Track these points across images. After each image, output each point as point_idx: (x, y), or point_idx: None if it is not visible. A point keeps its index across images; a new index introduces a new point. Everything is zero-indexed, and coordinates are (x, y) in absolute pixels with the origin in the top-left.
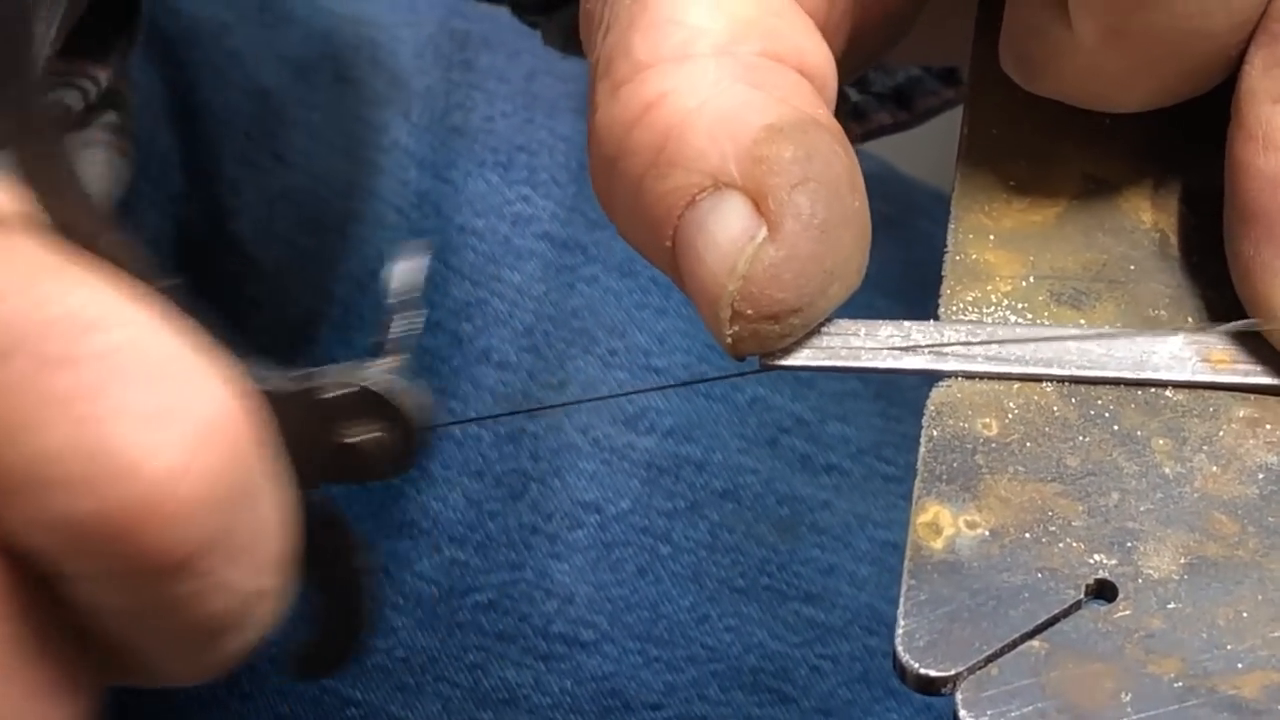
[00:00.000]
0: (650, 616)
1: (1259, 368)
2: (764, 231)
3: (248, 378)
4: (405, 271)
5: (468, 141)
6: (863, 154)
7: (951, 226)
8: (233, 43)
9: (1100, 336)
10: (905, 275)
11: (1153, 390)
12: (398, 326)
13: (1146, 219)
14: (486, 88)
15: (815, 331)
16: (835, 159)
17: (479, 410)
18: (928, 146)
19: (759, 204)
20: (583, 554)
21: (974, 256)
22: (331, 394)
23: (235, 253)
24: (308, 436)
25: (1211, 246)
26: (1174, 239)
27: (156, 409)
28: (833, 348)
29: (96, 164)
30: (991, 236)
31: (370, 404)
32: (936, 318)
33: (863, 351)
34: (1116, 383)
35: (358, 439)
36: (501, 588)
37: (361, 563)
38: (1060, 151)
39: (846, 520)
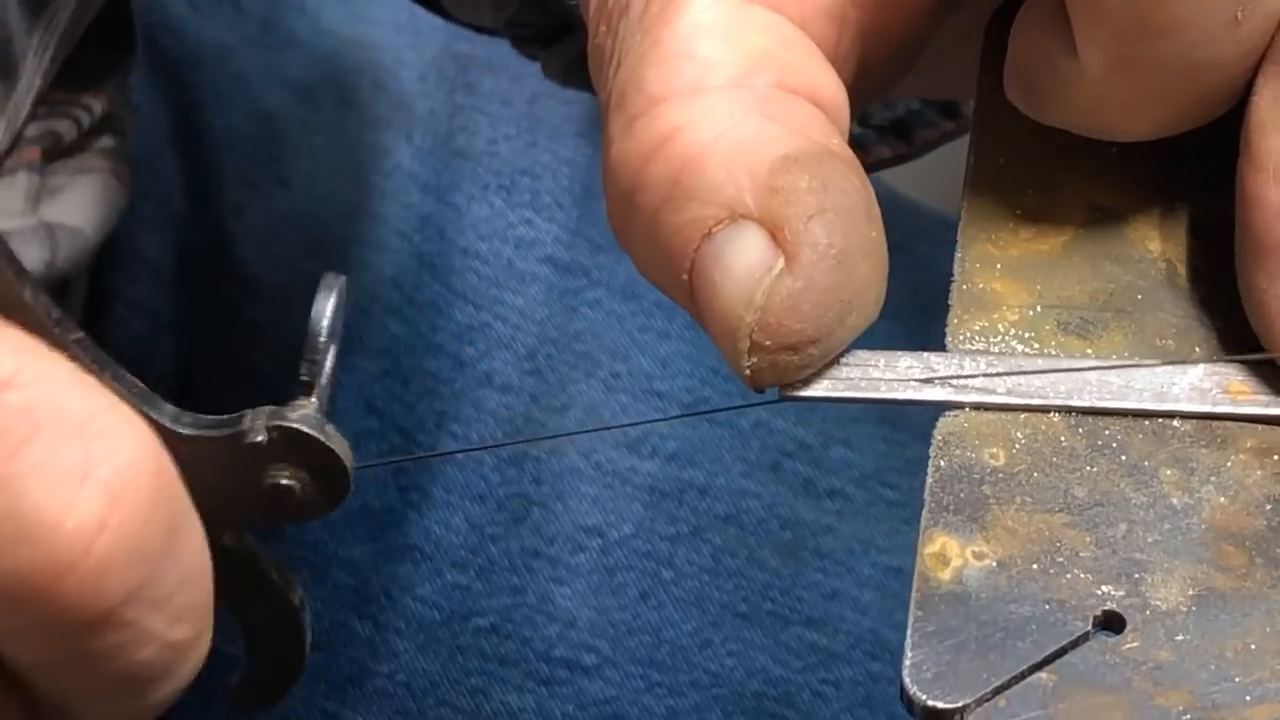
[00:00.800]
0: (652, 641)
1: (1278, 398)
2: (781, 262)
3: (169, 425)
4: (324, 306)
5: (471, 165)
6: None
7: (958, 255)
8: (236, 66)
9: (1122, 367)
10: (909, 300)
11: (1160, 420)
12: (314, 367)
13: (1154, 248)
14: (489, 111)
15: (834, 362)
16: (851, 189)
17: (481, 433)
18: (930, 171)
19: (775, 235)
20: (585, 578)
21: (981, 286)
22: (257, 437)
23: (237, 275)
24: (232, 480)
25: (1219, 277)
26: (1181, 269)
27: (72, 465)
28: (851, 379)
29: (92, 189)
30: (998, 266)
31: (296, 445)
32: (944, 347)
33: (882, 383)
34: (1140, 414)
35: (283, 481)
36: (503, 612)
37: (289, 599)
38: (1067, 181)
39: (850, 545)
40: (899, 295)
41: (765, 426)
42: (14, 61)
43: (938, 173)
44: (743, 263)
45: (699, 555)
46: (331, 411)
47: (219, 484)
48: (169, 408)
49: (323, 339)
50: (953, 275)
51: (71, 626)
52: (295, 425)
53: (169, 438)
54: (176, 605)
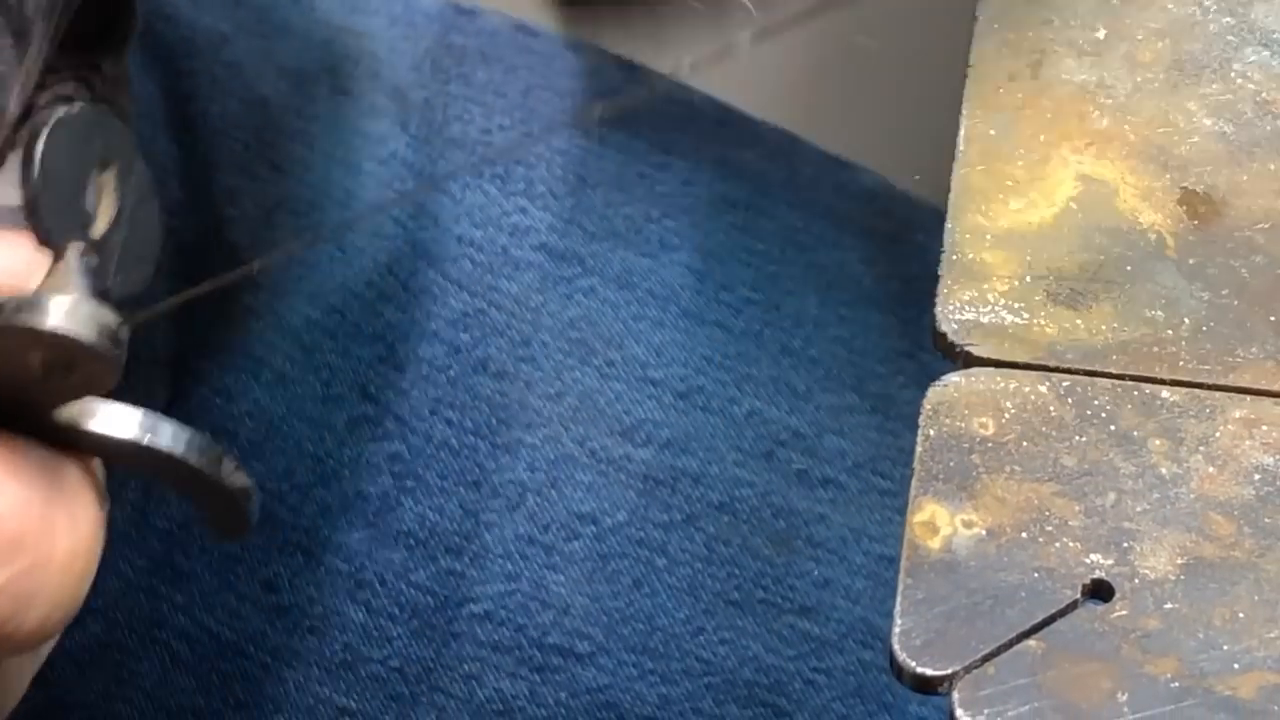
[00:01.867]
0: (645, 629)
1: None
2: None
3: None
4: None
5: (465, 153)
6: (861, 170)
7: (949, 226)
8: (231, 53)
9: None
10: (902, 290)
11: (1149, 390)
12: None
13: (1144, 220)
14: (484, 101)
15: None
16: None
17: (475, 420)
18: (927, 164)
19: None
20: (579, 565)
21: (970, 256)
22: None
23: (232, 262)
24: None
25: (1208, 249)
26: (1170, 240)
27: None
28: None
29: None
30: (988, 236)
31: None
32: (933, 316)
33: None
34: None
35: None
36: (497, 598)
37: (212, 471)
38: (1057, 152)
39: (842, 534)
40: (890, 284)
41: (759, 415)
42: (26, 23)
43: (935, 167)
44: None
45: (692, 543)
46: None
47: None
48: None
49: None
50: (943, 246)
51: None
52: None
53: None
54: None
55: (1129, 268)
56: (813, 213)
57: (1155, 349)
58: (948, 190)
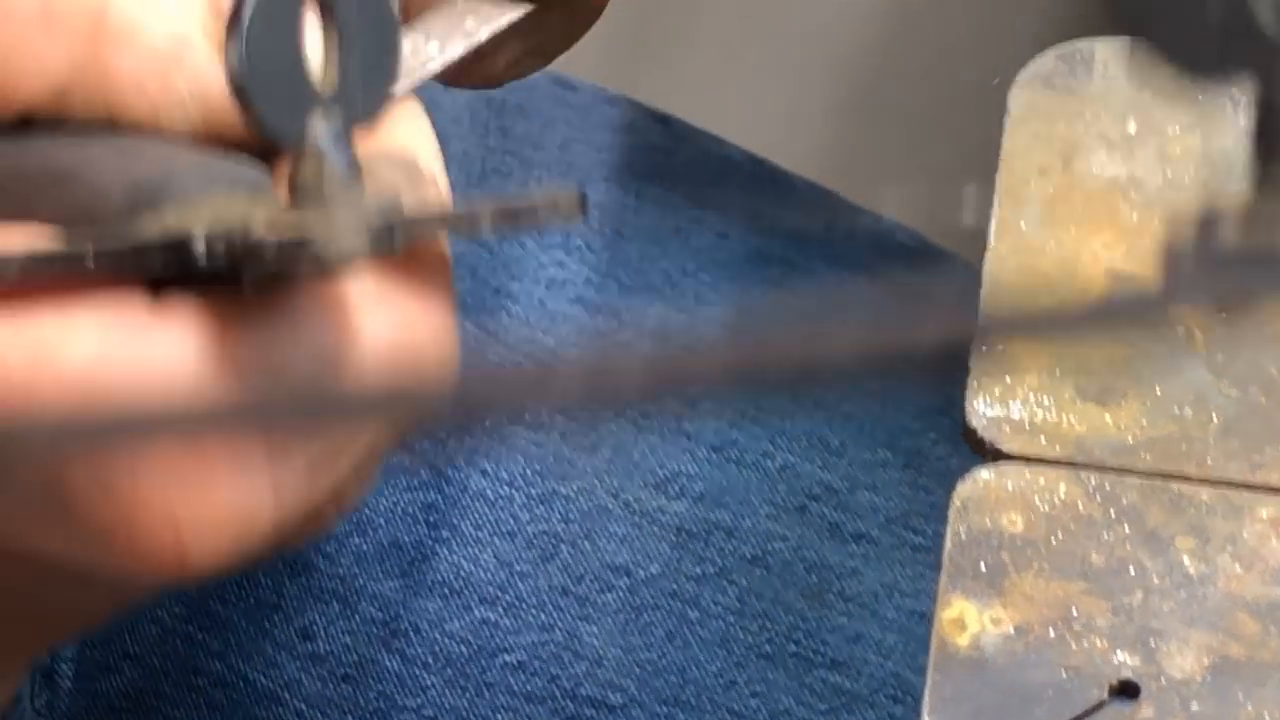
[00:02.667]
0: (678, 681)
1: None
2: None
3: None
4: None
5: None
6: (897, 225)
7: (979, 320)
8: None
9: None
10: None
11: (1176, 488)
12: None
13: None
14: (522, 154)
15: None
16: None
17: (510, 470)
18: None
19: None
20: (612, 617)
21: (1000, 348)
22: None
23: None
24: None
25: (1238, 341)
26: (1199, 336)
27: None
28: None
29: None
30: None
31: None
32: (963, 410)
33: None
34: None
35: None
36: (531, 649)
37: None
38: (1087, 247)
39: (874, 589)
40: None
41: (792, 470)
42: None
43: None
44: None
45: (725, 596)
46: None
47: None
48: None
49: None
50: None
51: None
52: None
53: None
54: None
55: (1158, 364)
56: (847, 268)
57: (1183, 446)
58: (982, 245)
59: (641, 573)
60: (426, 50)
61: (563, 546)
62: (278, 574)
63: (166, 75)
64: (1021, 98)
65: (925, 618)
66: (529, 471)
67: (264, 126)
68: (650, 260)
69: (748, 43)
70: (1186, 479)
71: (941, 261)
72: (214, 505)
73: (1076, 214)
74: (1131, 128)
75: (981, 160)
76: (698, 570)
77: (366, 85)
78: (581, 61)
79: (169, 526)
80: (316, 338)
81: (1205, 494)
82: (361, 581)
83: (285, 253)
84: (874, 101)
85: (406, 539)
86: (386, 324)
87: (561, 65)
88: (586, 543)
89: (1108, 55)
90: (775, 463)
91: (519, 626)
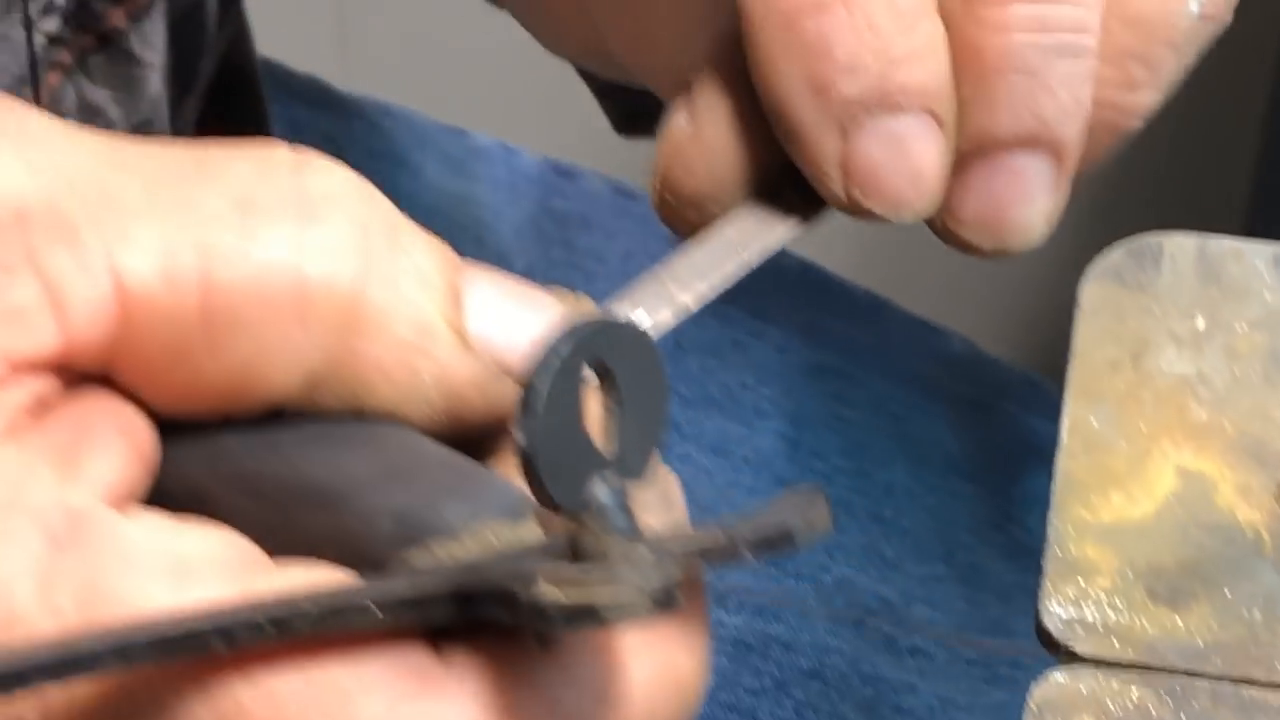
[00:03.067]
0: None
1: None
2: (687, 123)
3: None
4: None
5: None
6: (951, 335)
7: (1051, 519)
8: None
9: None
10: (990, 460)
11: (1246, 693)
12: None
13: (1241, 516)
14: (585, 267)
15: None
16: None
17: None
18: (1018, 328)
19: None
20: None
21: (1074, 552)
22: None
23: None
24: None
25: None
26: (1268, 538)
27: None
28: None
29: None
30: (1091, 531)
31: None
32: (1037, 612)
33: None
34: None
35: None
36: None
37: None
38: (1157, 445)
39: (930, 703)
40: (979, 454)
41: (849, 583)
42: None
43: (1025, 329)
44: (669, 122)
45: (782, 709)
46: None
47: None
48: None
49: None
50: (1046, 539)
51: None
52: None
53: None
54: None
55: (1227, 566)
56: (902, 380)
57: (1253, 650)
58: (1037, 354)
59: None
60: (703, 269)
61: None
62: None
63: (413, 364)
64: (1092, 292)
65: None
66: None
67: (551, 498)
68: (709, 373)
69: None
70: (1256, 683)
71: (998, 373)
72: None
73: (1146, 411)
74: (1200, 324)
75: (1035, 276)
76: (755, 683)
77: (642, 445)
78: (639, 167)
79: None
80: (590, 684)
81: (1275, 699)
82: None
83: (571, 616)
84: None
85: None
86: (653, 666)
87: (621, 172)
88: None
89: (1175, 250)
90: (832, 576)
91: None
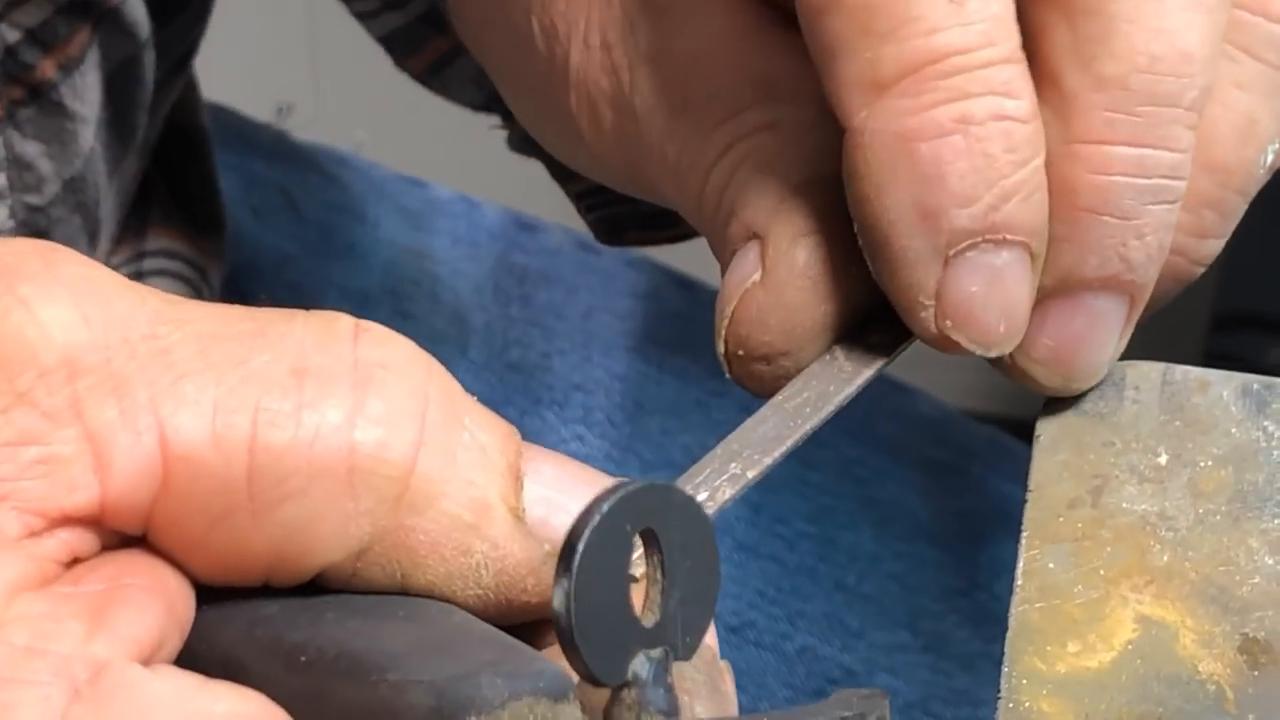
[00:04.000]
0: None
1: None
2: (758, 276)
3: None
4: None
5: (524, 378)
6: (919, 395)
7: (1005, 670)
8: (293, 274)
9: None
10: (958, 525)
11: None
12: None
13: (1203, 669)
14: (544, 324)
15: None
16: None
17: None
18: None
19: (762, 251)
20: None
21: (1027, 704)
22: None
23: None
24: None
25: (1271, 701)
26: (1230, 693)
27: None
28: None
29: None
30: (1046, 683)
31: None
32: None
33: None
34: None
35: None
36: None
37: None
38: (1116, 591)
39: None
40: (946, 519)
41: (812, 652)
42: (98, 224)
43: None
44: (733, 274)
45: None
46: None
47: None
48: None
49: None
50: (999, 691)
51: None
52: None
53: None
54: None
55: None
56: (869, 442)
57: None
58: (1005, 410)
59: None
60: (770, 442)
61: None
62: None
63: (465, 542)
64: (1051, 423)
65: None
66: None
67: (585, 665)
68: (670, 435)
69: None
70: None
71: (966, 435)
72: None
73: (1105, 553)
74: (1163, 458)
75: None
76: None
77: (689, 622)
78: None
79: None
80: None
81: None
82: None
83: None
84: None
85: None
86: None
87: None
88: None
89: (1139, 379)
90: (794, 644)
91: None
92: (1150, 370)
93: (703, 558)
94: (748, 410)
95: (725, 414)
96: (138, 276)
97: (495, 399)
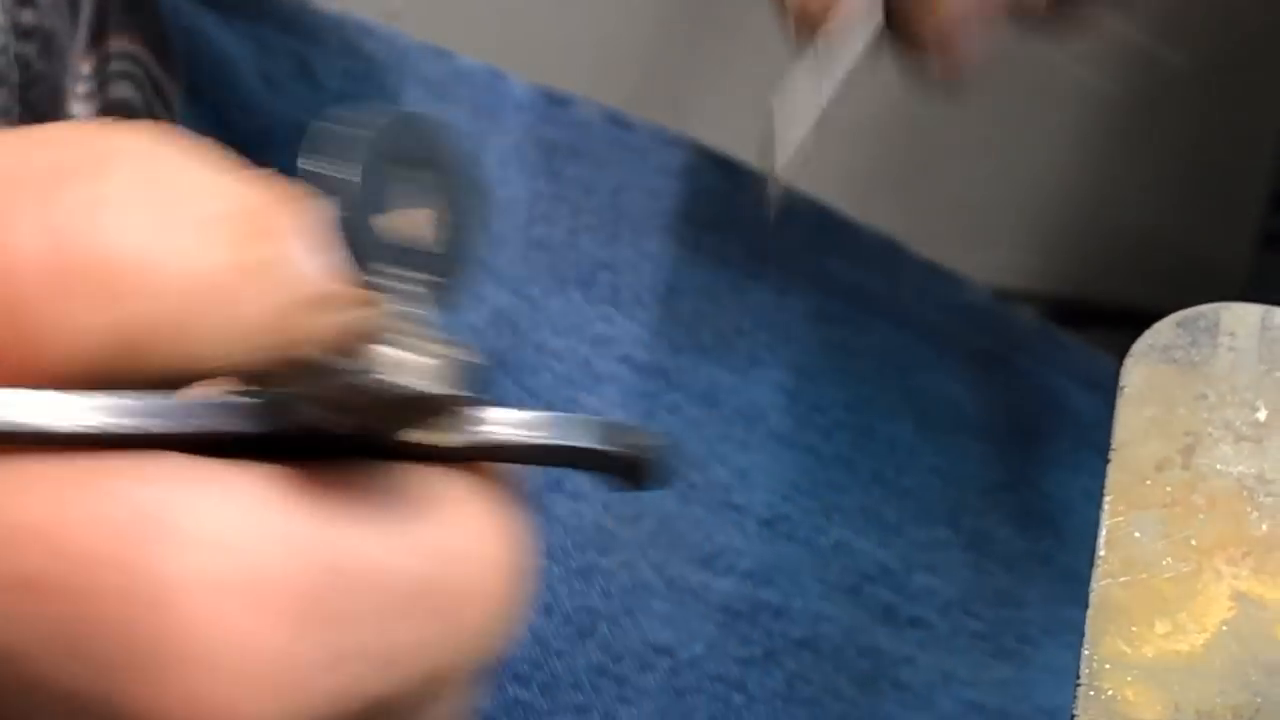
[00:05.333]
0: None
1: None
2: None
3: None
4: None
5: (549, 255)
6: (966, 284)
7: (1085, 652)
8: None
9: None
10: (1003, 419)
11: None
12: None
13: None
14: (571, 199)
15: None
16: None
17: (550, 541)
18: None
19: None
20: (653, 699)
21: (1109, 692)
22: None
23: None
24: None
25: None
26: None
27: None
28: None
29: None
30: (1131, 669)
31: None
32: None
33: None
34: None
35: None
36: None
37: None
38: (1210, 564)
39: (930, 678)
40: (991, 411)
41: (846, 547)
42: None
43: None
44: None
45: (772, 680)
46: None
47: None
48: None
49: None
50: (1078, 678)
51: None
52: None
53: None
54: None
55: None
56: (913, 330)
57: None
58: (1052, 288)
59: (684, 653)
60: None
61: (601, 623)
62: None
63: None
64: (1136, 373)
65: (984, 710)
66: (568, 543)
67: (349, 276)
68: (703, 318)
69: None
70: None
71: (1014, 326)
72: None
73: (1198, 521)
74: (1261, 414)
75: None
76: (744, 652)
77: (454, 244)
78: (644, 99)
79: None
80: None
81: None
82: None
83: (350, 382)
84: (943, 148)
85: None
86: (459, 526)
87: (622, 103)
88: (627, 620)
89: (1235, 324)
90: (828, 539)
91: (554, 708)
92: (1248, 313)
93: (471, 184)
94: (784, 293)
95: (761, 296)
96: (105, 78)
97: (518, 277)
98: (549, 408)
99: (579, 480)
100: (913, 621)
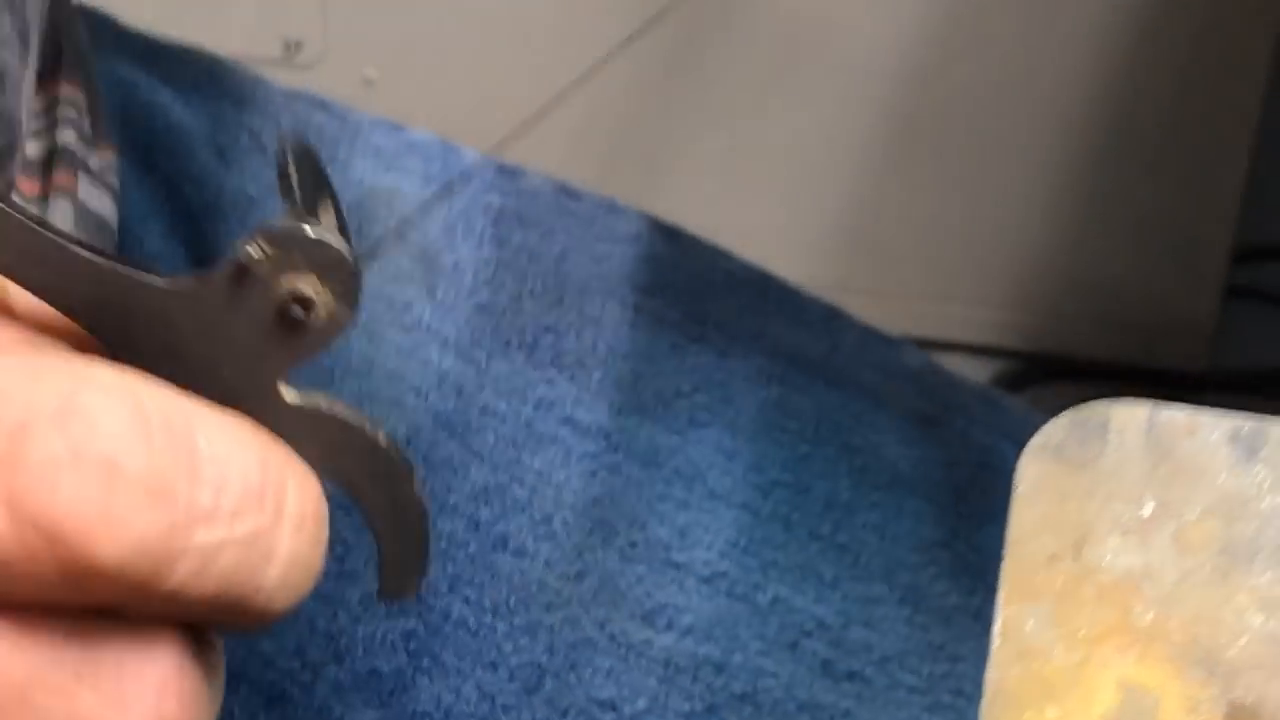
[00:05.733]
0: None
1: None
2: None
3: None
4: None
5: (494, 320)
6: (904, 347)
7: None
8: (258, 216)
9: None
10: (939, 477)
11: None
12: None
13: None
14: (516, 266)
15: None
16: None
17: (494, 598)
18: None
19: None
20: None
21: None
22: (250, 251)
23: None
24: (250, 319)
25: None
26: None
27: None
28: None
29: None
30: None
31: (288, 245)
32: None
33: None
34: None
35: (298, 288)
36: None
37: (413, 484)
38: (1098, 652)
39: None
40: (926, 469)
41: (784, 603)
42: (27, 26)
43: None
44: None
45: None
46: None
47: (240, 334)
48: (159, 274)
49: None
50: None
51: None
52: (280, 225)
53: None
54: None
55: None
56: (850, 390)
57: None
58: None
59: (628, 708)
60: None
61: (547, 679)
62: (252, 705)
63: None
64: (1030, 471)
65: None
66: (513, 600)
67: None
68: (644, 380)
69: (758, 154)
70: None
71: (952, 388)
72: None
73: (1086, 612)
74: (1147, 509)
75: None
76: (685, 706)
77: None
78: (589, 175)
79: None
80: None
81: None
82: (339, 712)
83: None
84: (891, 213)
85: (385, 668)
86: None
87: (569, 176)
88: (571, 675)
89: (1124, 421)
90: (766, 596)
91: None
92: (1136, 411)
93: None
94: (724, 355)
95: (702, 358)
96: (53, 120)
97: (462, 341)
98: (493, 468)
99: (523, 538)
100: (850, 675)
